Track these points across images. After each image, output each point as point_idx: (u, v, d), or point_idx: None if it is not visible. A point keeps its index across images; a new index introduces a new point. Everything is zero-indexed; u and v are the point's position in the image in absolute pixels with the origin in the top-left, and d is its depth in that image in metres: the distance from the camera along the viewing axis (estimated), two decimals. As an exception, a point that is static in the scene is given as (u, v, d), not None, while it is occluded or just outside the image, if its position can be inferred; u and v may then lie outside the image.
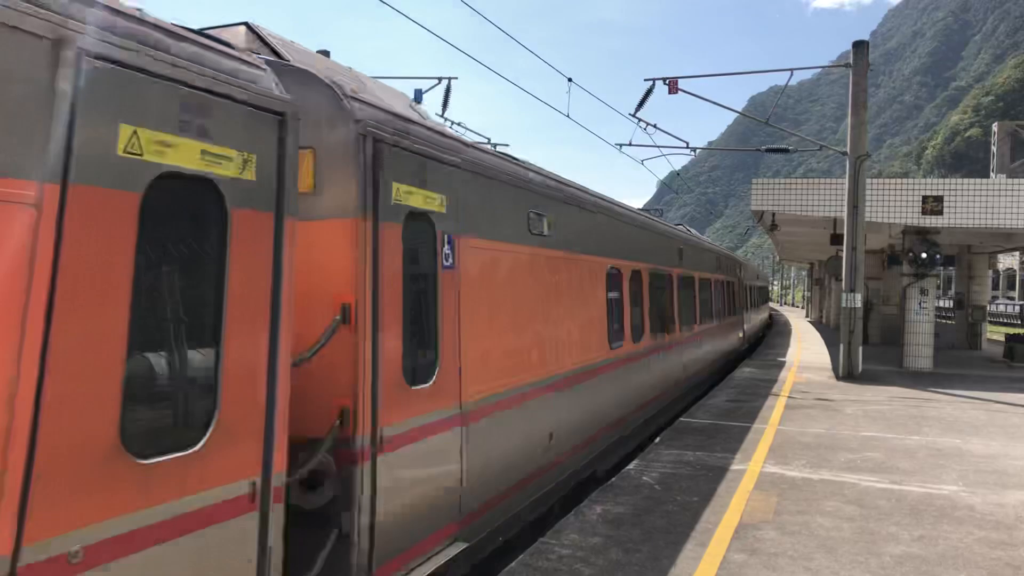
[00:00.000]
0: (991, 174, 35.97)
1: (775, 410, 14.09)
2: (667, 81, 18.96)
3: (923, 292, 21.95)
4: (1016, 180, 21.08)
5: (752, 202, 22.31)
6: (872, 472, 9.42)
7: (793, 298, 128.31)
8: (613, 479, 8.89)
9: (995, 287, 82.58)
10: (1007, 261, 79.82)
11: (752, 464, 9.73)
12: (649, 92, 19.55)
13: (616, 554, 6.38)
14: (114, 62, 3.15)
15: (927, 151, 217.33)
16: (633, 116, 20.19)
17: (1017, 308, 66.41)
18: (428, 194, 5.82)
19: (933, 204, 20.44)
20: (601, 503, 7.84)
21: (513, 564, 6.15)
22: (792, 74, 19.98)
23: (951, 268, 38.22)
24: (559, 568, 6.05)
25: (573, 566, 6.09)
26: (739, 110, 22.71)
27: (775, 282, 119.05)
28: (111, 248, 3.14)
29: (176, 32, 3.60)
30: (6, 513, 2.71)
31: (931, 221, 20.61)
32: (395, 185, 5.39)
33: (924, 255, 21.36)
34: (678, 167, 39.01)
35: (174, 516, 3.39)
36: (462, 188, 6.33)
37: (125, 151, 3.20)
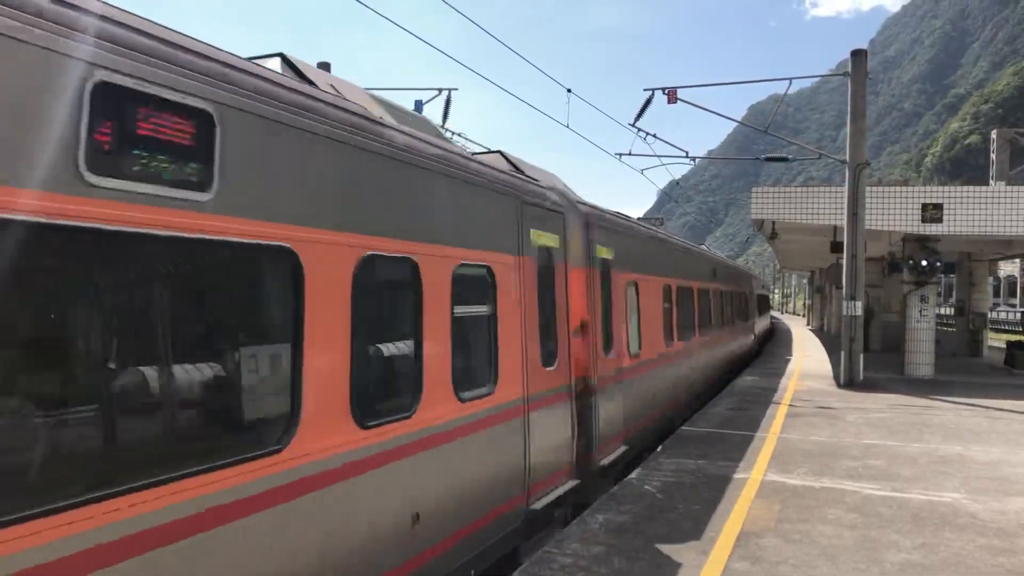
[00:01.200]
0: (990, 181, 35.99)
1: (776, 418, 14.10)
2: (666, 91, 19.06)
3: (923, 299, 21.96)
4: (1015, 187, 21.14)
5: (752, 210, 22.37)
6: (874, 480, 9.43)
7: (794, 306, 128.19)
8: (615, 488, 8.90)
9: (996, 294, 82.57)
10: (1008, 268, 79.87)
11: (754, 472, 9.73)
12: (648, 102, 19.66)
13: (618, 563, 6.39)
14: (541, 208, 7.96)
15: (927, 158, 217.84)
16: (632, 125, 20.28)
17: (1018, 315, 66.42)
18: (607, 248, 10.16)
19: (933, 212, 20.50)
20: (603, 512, 7.85)
21: (515, 573, 6.17)
22: (791, 83, 20.08)
23: (952, 275, 38.19)
24: (561, 577, 6.06)
25: (575, 575, 6.11)
26: (738, 119, 22.79)
27: (776, 290, 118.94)
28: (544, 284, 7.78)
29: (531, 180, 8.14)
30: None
31: (931, 229, 20.66)
32: (597, 246, 9.71)
33: (924, 262, 21.39)
34: (678, 176, 39.18)
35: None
36: (620, 243, 10.87)
37: (533, 240, 7.58)
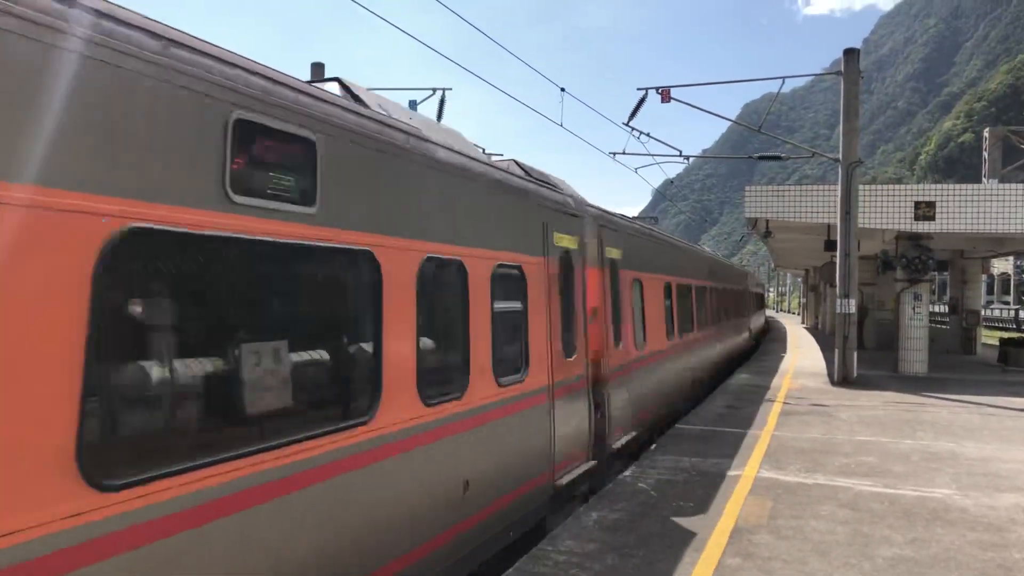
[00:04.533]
0: (983, 179, 36.16)
1: (770, 416, 14.16)
2: (659, 90, 19.10)
3: (917, 297, 22.06)
4: (1007, 185, 21.22)
5: (745, 209, 22.43)
6: (866, 476, 9.49)
7: (789, 305, 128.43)
8: (609, 485, 8.94)
9: (990, 292, 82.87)
10: (1001, 266, 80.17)
11: (747, 469, 9.78)
12: (642, 101, 19.71)
13: (612, 559, 6.43)
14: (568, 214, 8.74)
15: (920, 157, 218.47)
16: (626, 125, 20.32)
17: (1012, 313, 66.70)
18: (616, 249, 10.79)
19: (925, 209, 20.58)
20: (597, 509, 7.89)
21: (510, 571, 6.20)
22: (784, 82, 20.15)
23: (945, 273, 38.36)
24: (555, 573, 6.09)
25: (569, 571, 6.14)
26: (732, 118, 22.88)
27: (771, 289, 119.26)
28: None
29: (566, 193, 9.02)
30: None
31: (924, 226, 20.74)
32: (607, 247, 10.31)
33: (917, 260, 21.48)
34: (672, 175, 39.33)
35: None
36: (627, 243, 11.53)
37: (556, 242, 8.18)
